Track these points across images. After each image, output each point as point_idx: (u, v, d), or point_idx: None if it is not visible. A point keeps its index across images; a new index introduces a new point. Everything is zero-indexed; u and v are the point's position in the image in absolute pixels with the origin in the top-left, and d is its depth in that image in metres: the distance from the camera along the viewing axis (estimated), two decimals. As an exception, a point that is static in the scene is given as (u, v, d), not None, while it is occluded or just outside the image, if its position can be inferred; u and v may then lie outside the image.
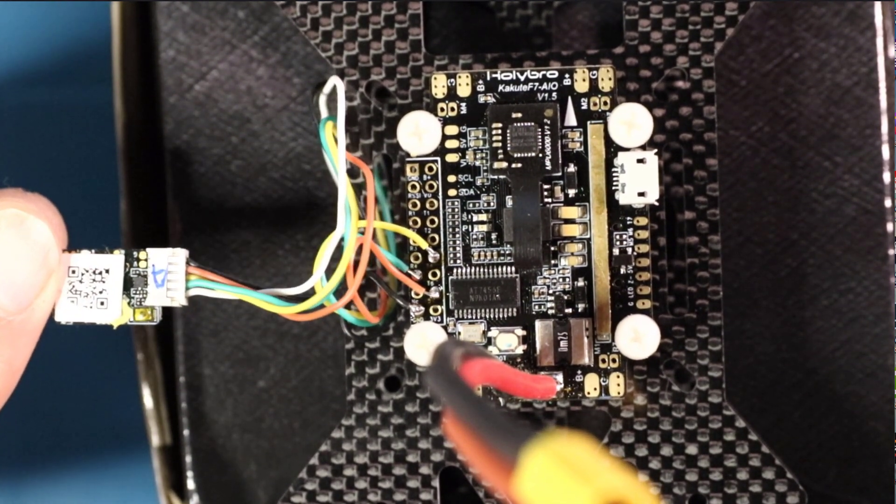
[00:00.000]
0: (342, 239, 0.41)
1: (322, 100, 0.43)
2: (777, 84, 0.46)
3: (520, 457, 0.31)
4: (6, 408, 0.54)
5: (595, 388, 0.43)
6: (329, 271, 0.41)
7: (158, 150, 0.48)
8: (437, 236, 0.43)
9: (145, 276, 0.42)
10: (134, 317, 0.42)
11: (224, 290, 0.42)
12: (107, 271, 0.42)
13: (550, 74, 0.43)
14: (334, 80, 0.43)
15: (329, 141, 0.42)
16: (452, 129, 0.43)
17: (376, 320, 0.44)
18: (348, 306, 0.44)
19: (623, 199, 0.42)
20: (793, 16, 0.46)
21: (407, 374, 0.45)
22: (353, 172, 0.44)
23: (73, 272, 0.42)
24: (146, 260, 0.42)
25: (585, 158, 0.43)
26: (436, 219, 0.43)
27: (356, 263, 0.42)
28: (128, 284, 0.42)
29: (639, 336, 0.43)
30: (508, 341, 0.43)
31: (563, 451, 0.30)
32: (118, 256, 0.42)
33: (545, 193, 0.43)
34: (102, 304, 0.42)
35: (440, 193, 0.43)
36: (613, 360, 0.43)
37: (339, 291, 0.43)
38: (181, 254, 0.42)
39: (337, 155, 0.42)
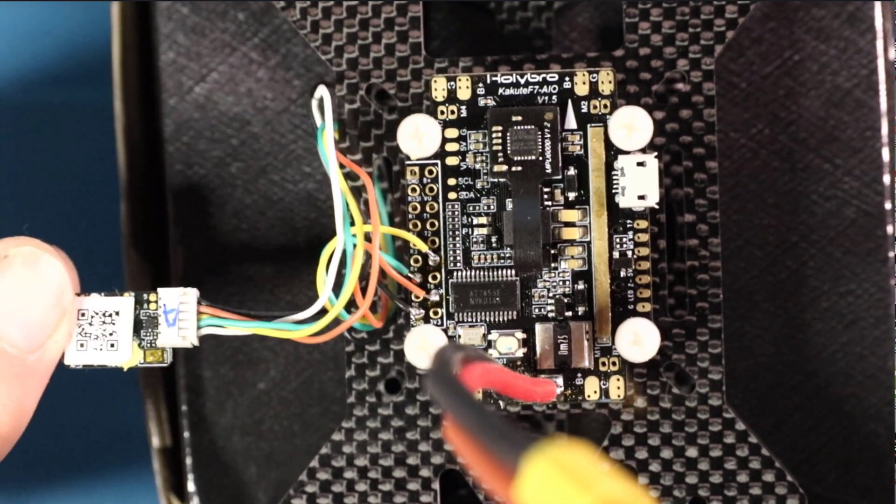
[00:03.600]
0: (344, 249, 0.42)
1: (314, 105, 0.44)
2: (777, 86, 0.46)
3: (520, 463, 0.31)
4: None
5: (595, 391, 0.43)
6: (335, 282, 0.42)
7: (158, 153, 0.48)
8: (437, 239, 0.43)
9: (155, 317, 0.42)
10: (145, 359, 0.42)
11: (235, 326, 0.42)
12: (116, 313, 0.42)
13: (550, 77, 0.43)
14: (321, 91, 0.43)
15: (327, 148, 0.42)
16: (452, 132, 0.43)
17: (380, 324, 0.44)
18: (348, 309, 0.44)
19: (623, 202, 0.42)
20: (793, 18, 0.46)
21: (407, 377, 0.45)
22: (353, 175, 0.44)
23: (83, 315, 0.42)
24: (156, 301, 0.42)
25: (585, 161, 0.43)
26: (436, 222, 0.43)
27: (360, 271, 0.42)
28: (138, 326, 0.42)
29: (639, 339, 0.43)
30: (508, 344, 0.43)
31: (563, 457, 0.30)
32: (128, 299, 0.42)
33: (545, 196, 0.43)
34: (112, 346, 0.42)
35: (440, 196, 0.43)
36: (613, 363, 0.43)
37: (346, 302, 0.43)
38: (192, 293, 0.42)
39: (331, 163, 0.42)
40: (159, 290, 0.42)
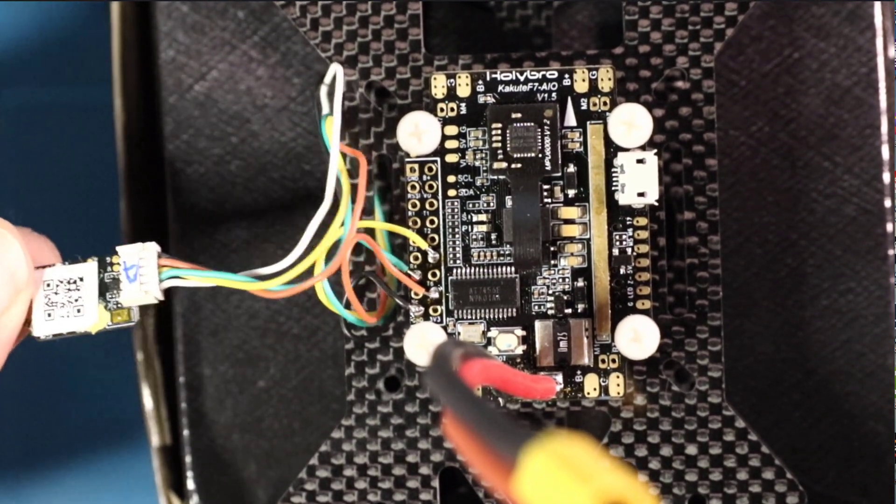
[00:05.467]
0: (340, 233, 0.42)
1: (324, 91, 0.44)
2: (777, 84, 0.46)
3: (519, 457, 0.31)
4: (6, 408, 0.54)
5: (595, 389, 0.43)
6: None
7: (158, 151, 0.48)
8: (436, 236, 0.43)
9: (119, 278, 0.42)
10: (112, 320, 0.42)
11: (198, 276, 0.42)
12: (81, 279, 0.42)
13: (550, 75, 0.43)
14: (335, 68, 0.43)
15: (329, 133, 0.42)
16: (452, 130, 0.43)
17: (373, 321, 0.44)
18: (348, 307, 0.44)
19: (623, 199, 0.42)
20: (792, 16, 0.46)
21: (406, 375, 0.45)
22: (352, 173, 0.44)
23: (48, 285, 0.42)
24: (119, 264, 0.42)
25: (585, 159, 0.43)
26: (435, 219, 0.43)
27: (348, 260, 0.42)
28: (103, 290, 0.42)
29: (638, 336, 0.43)
30: (508, 341, 0.43)
31: (563, 451, 0.30)
32: (91, 264, 0.42)
33: (545, 194, 0.43)
34: (79, 311, 0.42)
35: (440, 194, 0.43)
36: (613, 361, 0.43)
37: (342, 296, 0.43)
38: (151, 247, 0.42)
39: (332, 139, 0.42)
40: (118, 248, 0.42)
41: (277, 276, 0.41)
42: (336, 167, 0.42)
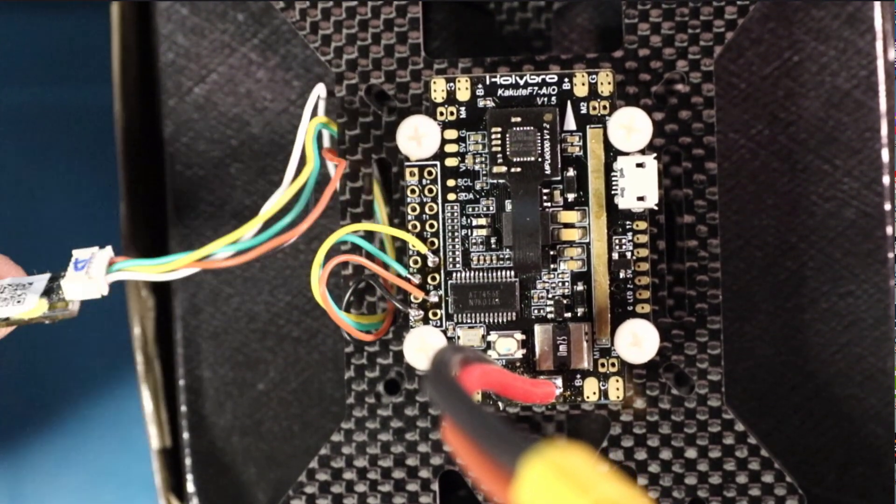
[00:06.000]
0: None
1: (321, 104, 0.44)
2: (776, 87, 0.46)
3: (518, 466, 0.31)
4: (6, 410, 0.54)
5: (594, 392, 0.43)
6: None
7: (158, 153, 0.48)
8: (436, 240, 0.43)
9: (67, 273, 0.41)
10: (49, 308, 0.41)
11: (139, 266, 0.41)
12: (30, 284, 0.42)
13: (550, 78, 0.43)
14: (318, 89, 0.43)
15: (309, 135, 0.42)
16: (452, 134, 0.43)
17: (370, 339, 0.44)
18: (348, 309, 0.44)
19: (622, 203, 0.42)
20: (792, 19, 0.46)
21: (406, 378, 0.45)
22: (353, 175, 0.44)
23: None
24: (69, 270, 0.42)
25: (585, 163, 0.43)
26: (435, 223, 0.43)
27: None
28: (49, 291, 0.42)
29: (638, 340, 0.43)
30: (508, 345, 0.43)
31: (561, 460, 0.30)
32: (45, 275, 0.42)
33: (544, 198, 0.43)
34: (19, 302, 0.41)
35: (439, 198, 0.43)
36: (613, 364, 0.43)
37: (342, 299, 0.43)
38: (106, 249, 0.41)
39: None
40: (74, 251, 0.42)
41: (214, 244, 0.41)
42: (301, 145, 0.42)
